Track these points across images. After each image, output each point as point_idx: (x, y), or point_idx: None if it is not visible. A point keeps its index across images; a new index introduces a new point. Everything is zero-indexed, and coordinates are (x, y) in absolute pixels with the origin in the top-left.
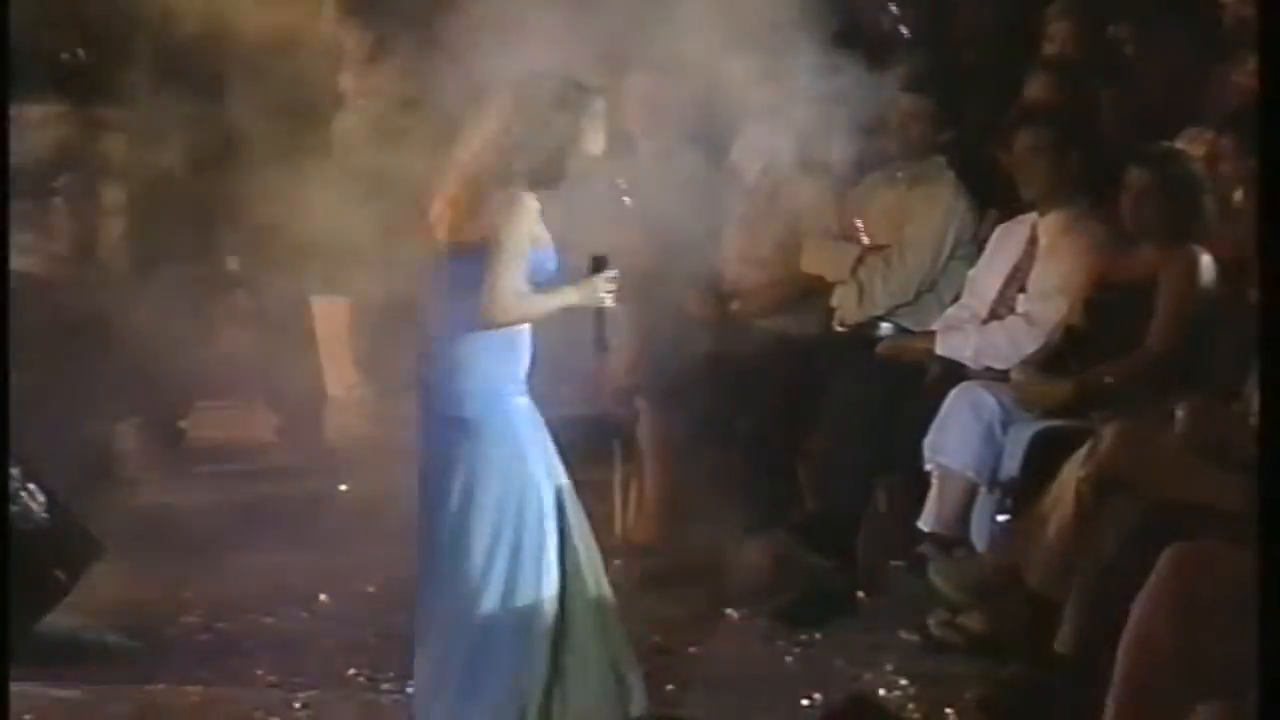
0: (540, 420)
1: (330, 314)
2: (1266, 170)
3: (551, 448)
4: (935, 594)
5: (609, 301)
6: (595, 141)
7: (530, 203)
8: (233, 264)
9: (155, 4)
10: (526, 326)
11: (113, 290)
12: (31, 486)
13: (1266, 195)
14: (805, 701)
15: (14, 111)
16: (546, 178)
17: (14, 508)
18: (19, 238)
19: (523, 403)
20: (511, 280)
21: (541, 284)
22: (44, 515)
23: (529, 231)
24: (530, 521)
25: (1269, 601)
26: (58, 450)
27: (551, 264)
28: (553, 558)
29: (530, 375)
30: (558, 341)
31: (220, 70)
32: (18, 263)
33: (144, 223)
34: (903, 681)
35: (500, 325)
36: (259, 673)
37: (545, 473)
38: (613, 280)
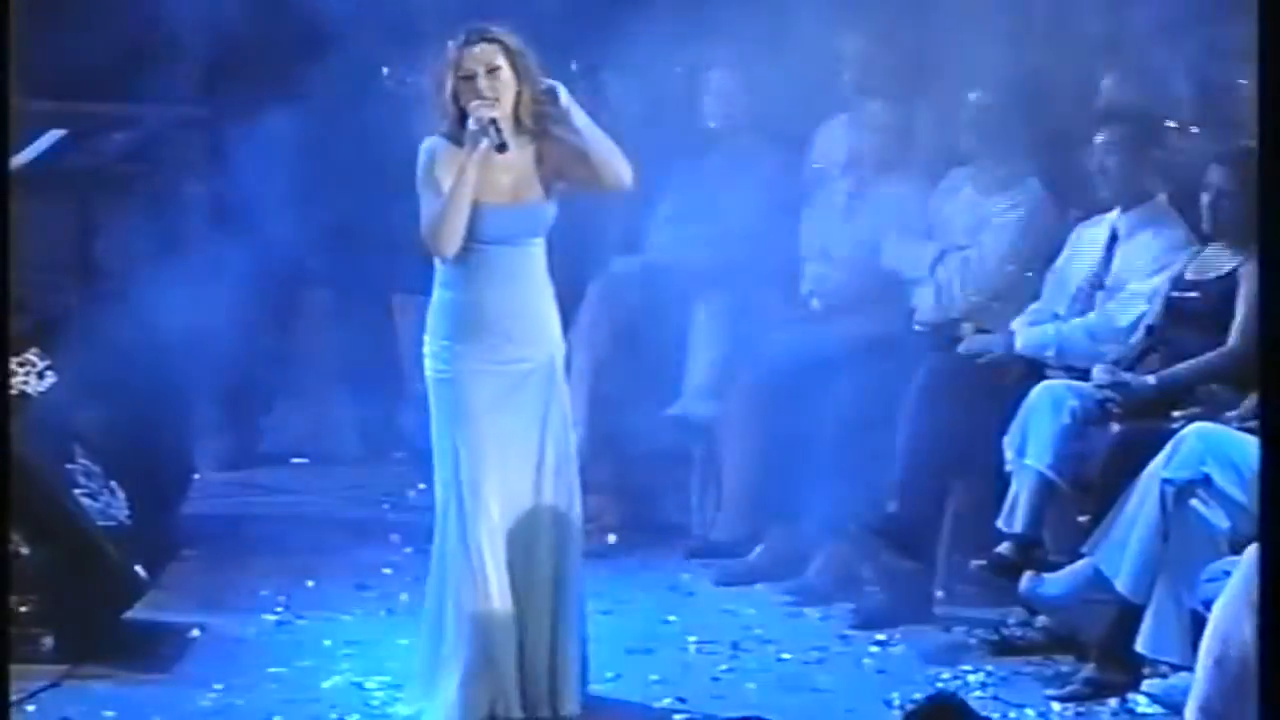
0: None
1: (412, 311)
2: (1267, 170)
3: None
4: (1014, 594)
5: (486, 112)
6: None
7: (433, 149)
8: (315, 262)
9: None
10: (480, 292)
11: (193, 289)
12: (113, 484)
13: (1267, 195)
14: (883, 702)
15: (86, 110)
16: (454, 131)
17: (95, 505)
18: (102, 236)
19: (476, 369)
20: (423, 213)
21: (499, 239)
22: (125, 512)
23: (430, 173)
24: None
25: (1270, 601)
26: (139, 448)
27: (512, 224)
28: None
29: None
30: (637, 343)
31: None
32: (100, 260)
33: (224, 221)
34: (980, 682)
35: (435, 252)
36: (338, 671)
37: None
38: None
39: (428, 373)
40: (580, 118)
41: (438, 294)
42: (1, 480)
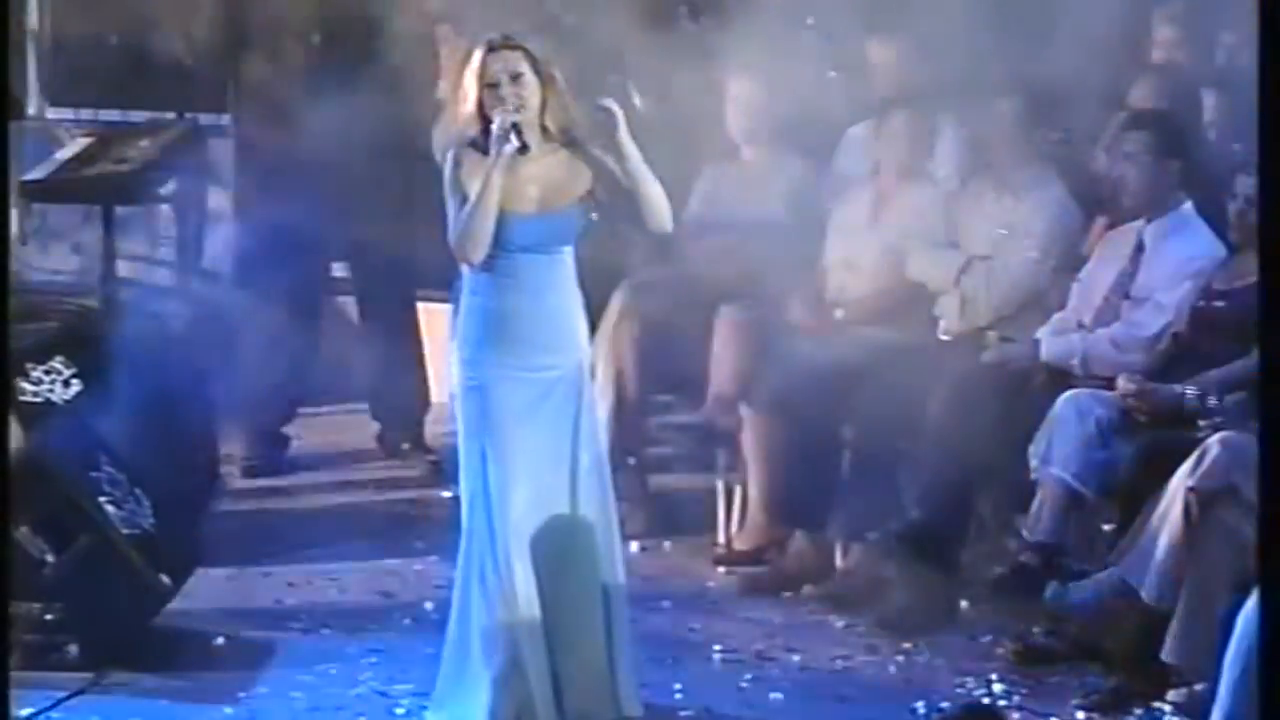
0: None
1: (438, 318)
2: (1266, 170)
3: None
4: (1039, 602)
5: (508, 117)
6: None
7: (458, 156)
8: (339, 270)
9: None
10: (508, 299)
11: (218, 296)
12: (137, 492)
13: (1267, 195)
14: (908, 710)
15: (121, 117)
16: (479, 139)
17: (119, 512)
18: (126, 244)
19: (505, 376)
20: (450, 220)
21: (527, 247)
22: (149, 520)
23: (455, 179)
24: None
25: (1269, 600)
26: (163, 456)
27: (540, 233)
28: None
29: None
30: (660, 351)
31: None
32: (125, 269)
33: (249, 228)
34: (1006, 690)
35: (463, 259)
36: (362, 679)
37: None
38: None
39: (456, 379)
40: (630, 151)
41: (467, 301)
42: (1, 481)
